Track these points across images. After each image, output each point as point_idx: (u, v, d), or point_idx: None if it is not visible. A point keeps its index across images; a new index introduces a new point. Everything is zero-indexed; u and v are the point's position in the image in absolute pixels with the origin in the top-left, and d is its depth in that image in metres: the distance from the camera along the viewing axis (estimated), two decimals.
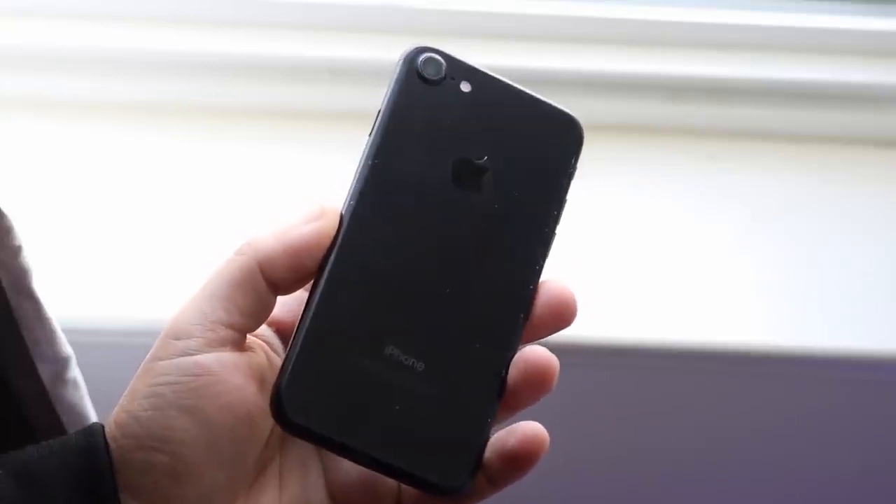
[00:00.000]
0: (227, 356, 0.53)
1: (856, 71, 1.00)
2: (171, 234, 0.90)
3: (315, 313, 0.53)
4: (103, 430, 0.53)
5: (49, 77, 0.97)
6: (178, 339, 0.53)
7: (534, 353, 0.54)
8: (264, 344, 0.55)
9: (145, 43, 0.98)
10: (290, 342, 0.53)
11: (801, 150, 1.00)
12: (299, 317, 0.54)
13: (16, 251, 0.65)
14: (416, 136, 0.56)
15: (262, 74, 0.98)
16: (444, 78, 0.57)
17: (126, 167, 0.94)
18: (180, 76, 0.98)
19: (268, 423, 0.53)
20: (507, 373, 0.54)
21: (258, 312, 0.54)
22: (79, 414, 0.68)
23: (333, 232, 0.54)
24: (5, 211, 0.64)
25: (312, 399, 0.52)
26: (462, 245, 0.55)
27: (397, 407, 0.53)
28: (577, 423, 0.92)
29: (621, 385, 0.92)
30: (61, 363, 0.68)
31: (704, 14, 1.00)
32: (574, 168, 0.57)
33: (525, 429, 0.53)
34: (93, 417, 0.69)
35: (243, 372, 0.53)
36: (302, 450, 0.56)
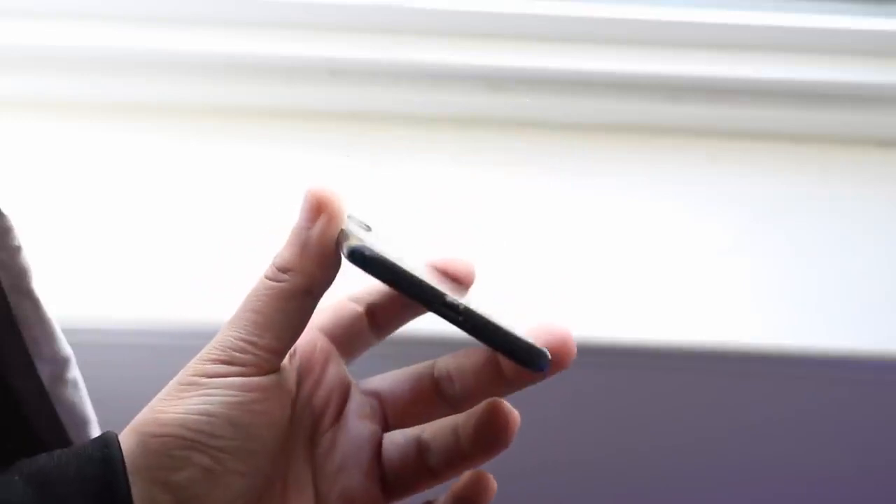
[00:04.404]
0: (273, 379, 0.57)
1: (856, 71, 1.00)
2: (171, 234, 0.90)
3: None
4: (118, 440, 0.55)
5: (49, 77, 0.97)
6: (231, 364, 0.56)
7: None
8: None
9: (145, 43, 0.98)
10: None
11: (801, 150, 1.00)
12: None
13: (15, 251, 0.65)
14: None
15: (262, 74, 0.98)
16: None
17: (126, 167, 0.94)
18: (180, 76, 0.98)
19: (284, 440, 0.57)
20: None
21: (300, 332, 0.58)
22: (79, 414, 0.68)
23: (341, 216, 0.57)
24: (5, 211, 0.64)
25: None
26: None
27: None
28: (578, 423, 0.92)
29: (621, 385, 0.92)
30: (61, 363, 0.68)
31: (704, 14, 1.00)
32: None
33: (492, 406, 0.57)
34: (92, 417, 0.69)
35: (283, 393, 0.57)
36: (300, 469, 0.59)
